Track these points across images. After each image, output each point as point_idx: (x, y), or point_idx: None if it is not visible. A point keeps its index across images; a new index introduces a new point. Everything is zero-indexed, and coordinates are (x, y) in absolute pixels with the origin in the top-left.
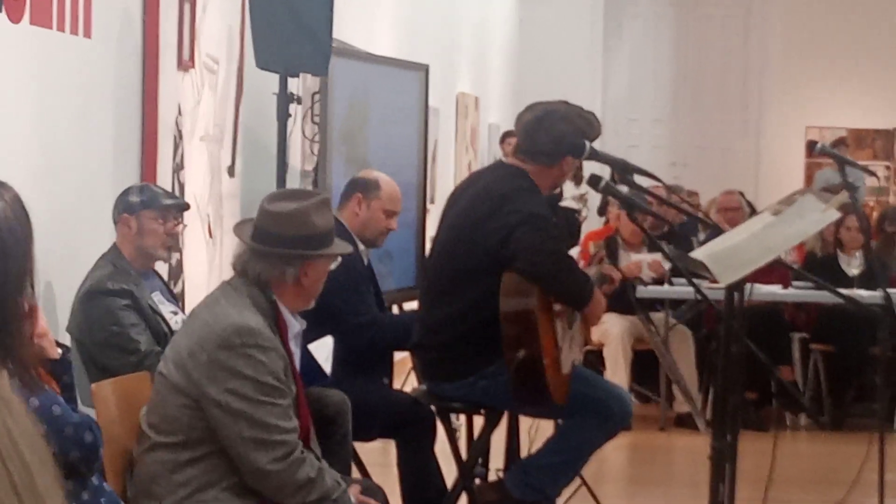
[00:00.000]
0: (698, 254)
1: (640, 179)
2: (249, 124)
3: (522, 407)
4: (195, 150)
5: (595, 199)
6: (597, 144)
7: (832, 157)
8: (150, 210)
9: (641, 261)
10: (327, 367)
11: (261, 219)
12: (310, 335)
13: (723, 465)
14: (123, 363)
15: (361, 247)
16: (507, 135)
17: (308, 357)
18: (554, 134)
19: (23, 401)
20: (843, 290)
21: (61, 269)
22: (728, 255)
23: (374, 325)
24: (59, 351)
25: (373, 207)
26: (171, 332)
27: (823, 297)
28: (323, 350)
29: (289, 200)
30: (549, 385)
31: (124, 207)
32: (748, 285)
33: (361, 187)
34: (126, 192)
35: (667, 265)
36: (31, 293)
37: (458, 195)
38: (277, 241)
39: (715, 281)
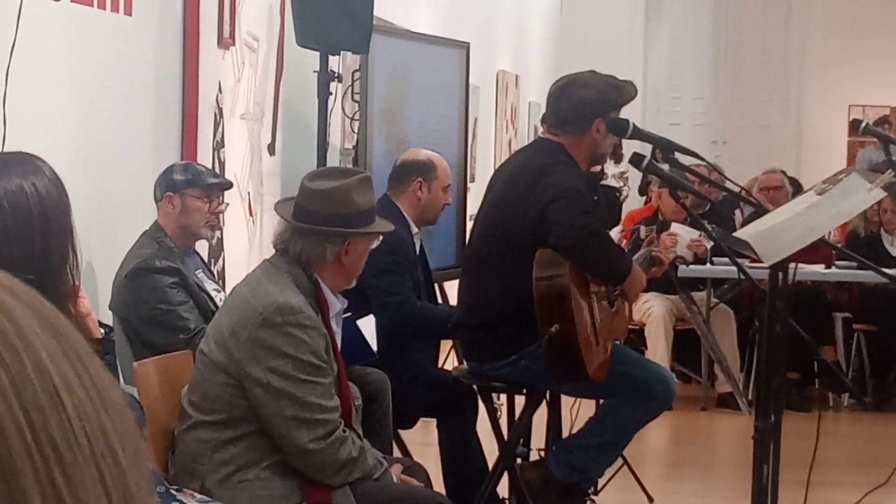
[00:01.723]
0: (742, 233)
1: (681, 158)
2: (290, 102)
3: (561, 383)
4: (235, 128)
5: (635, 178)
6: (637, 122)
7: (876, 135)
8: (194, 188)
9: (679, 233)
10: (374, 342)
11: (302, 197)
12: (355, 313)
13: (767, 446)
14: (173, 341)
15: (415, 230)
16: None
17: (355, 334)
18: (574, 100)
19: (121, 391)
20: (886, 270)
21: (101, 248)
22: (772, 235)
23: (405, 307)
24: (102, 331)
25: (433, 189)
26: (217, 309)
27: (867, 276)
28: (369, 326)
29: (330, 178)
30: (584, 360)
31: (168, 185)
32: (792, 265)
33: (420, 171)
34: (169, 170)
35: (709, 244)
36: (76, 271)
37: (500, 173)
38: (318, 219)
39: (757, 260)
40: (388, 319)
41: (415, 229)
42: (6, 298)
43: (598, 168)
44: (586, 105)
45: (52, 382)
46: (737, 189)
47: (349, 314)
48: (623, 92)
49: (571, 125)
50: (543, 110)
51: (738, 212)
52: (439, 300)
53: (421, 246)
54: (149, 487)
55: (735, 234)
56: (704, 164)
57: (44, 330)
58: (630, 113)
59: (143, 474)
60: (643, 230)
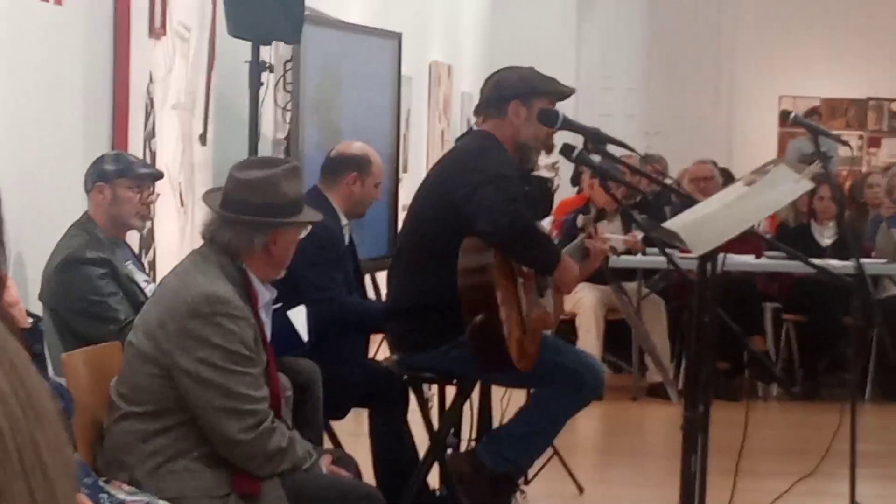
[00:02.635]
0: (672, 224)
1: (613, 149)
2: (221, 92)
3: (486, 373)
4: (167, 118)
5: (567, 168)
6: (569, 113)
7: (806, 126)
8: (125, 178)
9: (612, 238)
10: (304, 334)
11: (230, 187)
12: (286, 303)
13: (695, 436)
14: (103, 332)
15: (344, 222)
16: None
17: (285, 324)
18: (494, 80)
19: (55, 399)
20: (815, 261)
21: (31, 238)
22: (701, 226)
23: (336, 304)
24: (30, 320)
25: (367, 184)
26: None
27: (796, 267)
28: (299, 317)
29: (258, 168)
30: (509, 350)
31: (98, 176)
32: (721, 255)
33: (356, 165)
34: (100, 161)
35: (640, 235)
36: (4, 262)
37: (435, 165)
38: (246, 209)
39: (687, 251)
40: (319, 315)
41: (344, 221)
42: None
43: (530, 160)
44: (504, 86)
45: None
46: (667, 181)
47: (279, 305)
48: (550, 82)
49: (491, 107)
50: (476, 101)
51: (667, 208)
52: (370, 291)
53: (350, 237)
54: (74, 496)
55: (664, 224)
56: (634, 154)
57: None
58: (562, 104)
59: (70, 484)
60: (581, 219)
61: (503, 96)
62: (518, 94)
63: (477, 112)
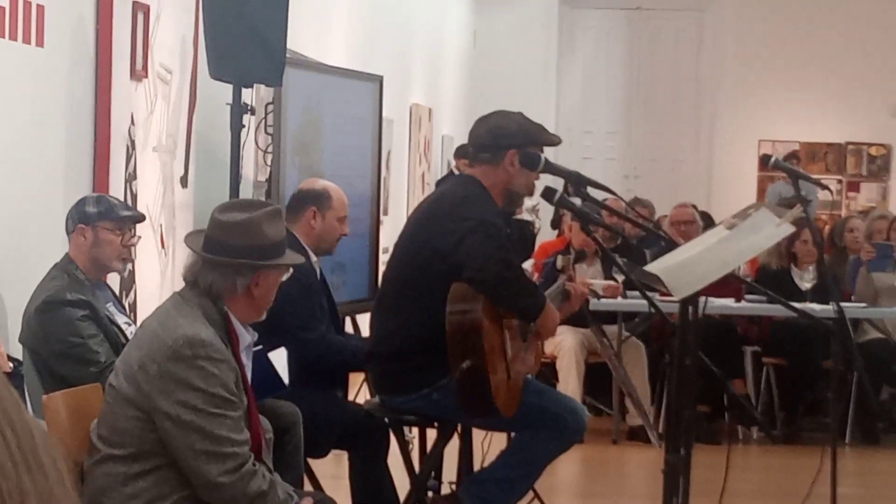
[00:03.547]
0: (652, 267)
1: (595, 193)
2: (203, 134)
3: (471, 419)
4: (148, 160)
5: (547, 211)
6: (550, 156)
7: (785, 170)
8: (106, 221)
9: (593, 283)
10: (285, 376)
11: (212, 229)
12: (266, 345)
13: (677, 479)
14: (83, 374)
15: (314, 258)
16: (458, 153)
17: (266, 367)
18: (491, 125)
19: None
20: (796, 304)
21: (11, 280)
22: (682, 269)
23: (323, 343)
24: (11, 365)
25: (328, 218)
26: (128, 342)
27: (776, 310)
28: (280, 360)
29: (240, 210)
30: (495, 397)
31: (80, 218)
32: (702, 299)
33: (314, 200)
34: (82, 203)
35: (620, 277)
36: None
37: (418, 206)
38: (228, 252)
39: (667, 294)
40: (304, 355)
41: (314, 257)
42: None
43: (514, 206)
44: (503, 133)
45: None
46: (646, 224)
47: (260, 347)
48: (544, 132)
49: (487, 152)
50: (457, 143)
51: (647, 252)
52: (349, 330)
53: (321, 274)
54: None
55: (646, 267)
56: (617, 198)
57: None
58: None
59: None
60: (560, 259)
61: (501, 145)
62: (517, 143)
63: (462, 155)
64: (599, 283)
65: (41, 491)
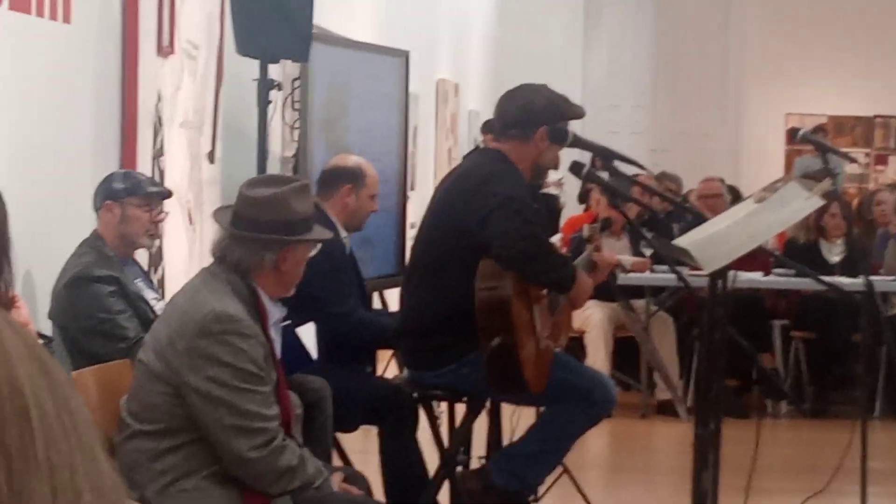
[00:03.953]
0: (681, 241)
1: (623, 167)
2: (229, 110)
3: (501, 394)
4: (175, 136)
5: (572, 185)
6: (576, 129)
7: (814, 144)
8: (134, 197)
9: (622, 258)
10: (314, 351)
11: (239, 204)
12: (294, 320)
13: (706, 453)
14: (112, 350)
15: (344, 234)
16: (485, 128)
17: (294, 342)
18: (522, 103)
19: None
20: (824, 277)
21: (40, 257)
22: (711, 243)
23: (353, 318)
24: (41, 342)
25: (362, 196)
26: (157, 318)
27: (805, 284)
28: (309, 334)
29: (267, 186)
30: (524, 373)
31: (108, 194)
32: (731, 272)
33: (349, 177)
34: (109, 179)
35: (648, 252)
36: (9, 279)
37: (444, 181)
38: (256, 227)
39: (696, 268)
40: (334, 330)
41: (343, 233)
42: (1, 327)
43: (542, 179)
44: (533, 109)
45: (24, 398)
46: (674, 198)
47: (288, 322)
48: (571, 106)
49: (516, 129)
50: (483, 119)
51: (675, 226)
52: (378, 307)
53: (350, 250)
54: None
55: (674, 241)
56: (646, 172)
57: (31, 361)
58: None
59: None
60: (587, 229)
61: (532, 121)
62: (545, 119)
63: (489, 130)
64: (628, 258)
65: (90, 475)
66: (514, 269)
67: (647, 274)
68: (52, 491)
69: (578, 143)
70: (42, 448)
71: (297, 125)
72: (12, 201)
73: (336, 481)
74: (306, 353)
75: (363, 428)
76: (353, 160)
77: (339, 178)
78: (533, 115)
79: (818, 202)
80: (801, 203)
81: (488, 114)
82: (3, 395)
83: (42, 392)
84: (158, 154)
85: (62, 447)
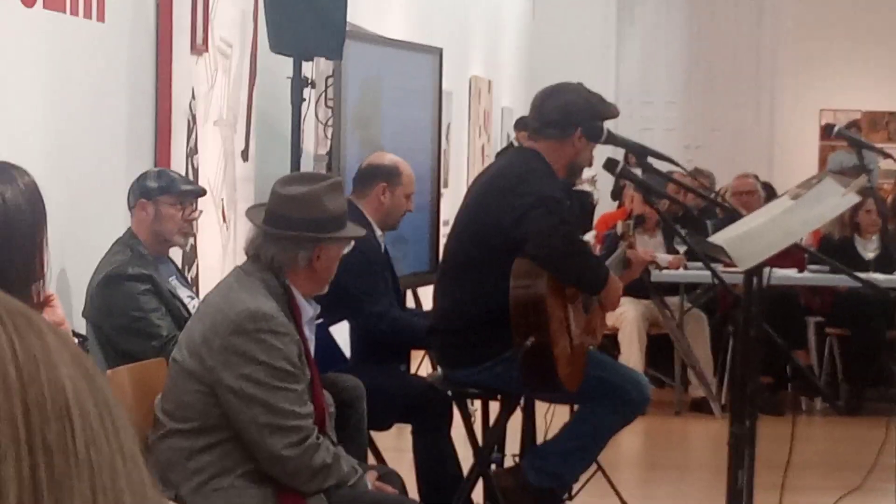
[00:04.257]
0: (717, 238)
1: (657, 163)
2: (263, 108)
3: (535, 393)
4: (209, 134)
5: (607, 182)
6: (610, 127)
7: (849, 140)
8: (167, 196)
9: (658, 257)
10: (347, 350)
11: (273, 202)
12: (328, 319)
13: (742, 451)
14: (145, 348)
15: (379, 233)
16: (519, 125)
17: (328, 341)
18: (561, 104)
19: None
20: (860, 274)
21: (75, 255)
22: (747, 240)
23: (387, 317)
24: (76, 341)
25: (397, 194)
26: (191, 316)
27: (840, 280)
28: (342, 333)
29: (301, 183)
30: (559, 372)
31: (141, 192)
32: (766, 269)
33: (384, 175)
34: (143, 177)
35: (682, 249)
36: (42, 286)
37: (478, 179)
38: (289, 225)
39: (730, 264)
40: (368, 328)
41: (378, 231)
42: (44, 328)
43: (576, 178)
44: (572, 110)
45: (66, 399)
46: (709, 195)
47: (320, 320)
48: (608, 107)
49: (555, 129)
50: (516, 116)
51: (708, 223)
52: (412, 305)
53: (385, 249)
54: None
55: (709, 238)
56: (681, 169)
57: (75, 366)
58: None
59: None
60: (620, 225)
61: (571, 122)
62: (583, 120)
63: (522, 127)
64: (665, 257)
65: (131, 478)
66: (549, 269)
67: (681, 271)
68: (92, 490)
69: (613, 140)
70: (83, 447)
71: (330, 123)
72: (48, 199)
73: (370, 480)
74: (340, 352)
75: (397, 426)
76: (389, 158)
77: (375, 177)
78: (571, 116)
79: (854, 198)
80: (837, 199)
81: (521, 111)
82: (45, 394)
83: (83, 395)
84: (192, 152)
85: (103, 449)
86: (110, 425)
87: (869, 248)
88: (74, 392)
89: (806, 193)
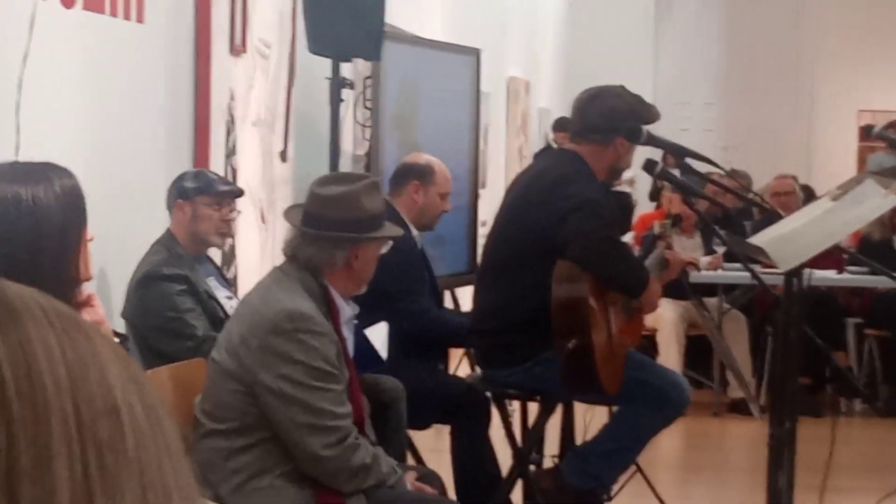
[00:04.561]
0: (757, 239)
1: (696, 164)
2: (301, 109)
3: (575, 394)
4: (247, 135)
5: (645, 183)
6: (648, 128)
7: (888, 140)
8: (205, 196)
9: (699, 260)
10: (383, 352)
11: (310, 203)
12: (364, 320)
13: (782, 452)
14: (180, 348)
15: (415, 232)
16: (558, 126)
17: (364, 342)
18: (605, 109)
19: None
20: None
21: (115, 255)
22: (787, 241)
23: (425, 316)
24: (116, 340)
25: (430, 193)
26: (227, 316)
27: (880, 281)
28: (378, 335)
29: (338, 184)
30: (599, 375)
31: (179, 193)
32: (806, 271)
33: (417, 174)
34: (181, 178)
35: (720, 249)
36: (74, 289)
37: (519, 180)
38: (327, 225)
39: (769, 265)
40: (407, 326)
41: (415, 231)
42: (91, 331)
43: (616, 179)
44: (616, 115)
45: (114, 398)
46: (749, 195)
47: (356, 322)
48: (651, 111)
49: (598, 134)
50: (554, 116)
51: (747, 224)
52: (450, 305)
53: (422, 248)
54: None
55: (749, 239)
56: (719, 169)
57: (121, 367)
58: None
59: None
60: (657, 226)
61: (614, 128)
62: (626, 130)
63: (561, 128)
64: (705, 259)
65: (179, 478)
66: (590, 271)
67: (720, 272)
68: (142, 488)
69: (653, 141)
70: (132, 446)
71: (368, 124)
72: (87, 199)
73: (410, 480)
74: (375, 353)
75: (436, 427)
76: (424, 158)
77: (408, 175)
78: (614, 122)
79: None
80: (878, 200)
81: (559, 111)
82: (95, 392)
83: (131, 395)
84: (231, 153)
85: (150, 448)
86: (157, 425)
87: None
88: (123, 392)
89: (847, 194)
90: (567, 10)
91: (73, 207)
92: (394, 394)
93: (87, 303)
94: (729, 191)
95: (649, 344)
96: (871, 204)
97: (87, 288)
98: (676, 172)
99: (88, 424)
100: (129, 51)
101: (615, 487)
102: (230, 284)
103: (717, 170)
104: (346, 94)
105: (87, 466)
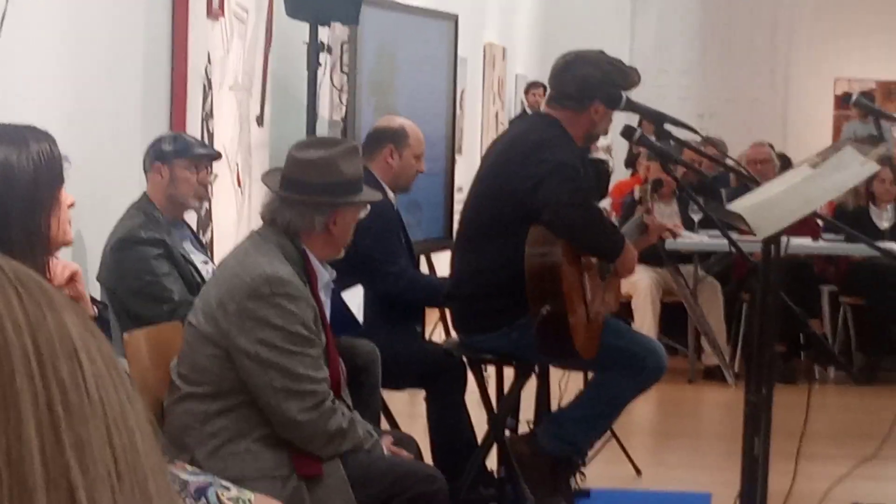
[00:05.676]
0: (735, 206)
1: (673, 131)
2: (278, 73)
3: (550, 359)
4: (224, 99)
5: (619, 151)
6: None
7: (867, 108)
8: (182, 159)
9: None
10: (360, 315)
11: (289, 167)
12: (342, 284)
13: (758, 418)
14: (157, 312)
15: (391, 195)
16: (531, 86)
17: (341, 306)
18: (580, 76)
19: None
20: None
21: (91, 219)
22: (766, 208)
23: (404, 277)
24: (95, 309)
25: (405, 156)
26: (203, 281)
27: (856, 249)
28: (355, 299)
29: (317, 148)
30: (574, 340)
31: (156, 156)
32: (784, 238)
33: (391, 138)
34: (158, 141)
35: (697, 216)
36: (46, 253)
37: (495, 145)
38: (306, 189)
39: (746, 233)
40: (385, 288)
41: (391, 194)
42: (45, 284)
43: (592, 143)
44: (589, 83)
45: (73, 342)
46: (728, 163)
47: (333, 286)
48: (627, 77)
49: (572, 101)
50: (529, 81)
51: (723, 191)
52: (425, 271)
53: (397, 211)
54: (169, 491)
55: (728, 206)
56: (698, 135)
57: (79, 321)
58: None
59: (163, 479)
60: (638, 190)
61: (588, 95)
62: (600, 93)
63: (548, 97)
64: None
65: (140, 420)
66: (565, 237)
67: (696, 239)
68: (106, 427)
69: (631, 106)
70: (94, 388)
71: (345, 88)
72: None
73: (386, 444)
74: (353, 318)
75: (410, 391)
76: (397, 121)
77: (382, 139)
78: (588, 90)
79: (874, 167)
80: (856, 168)
81: (535, 78)
82: (53, 335)
83: (90, 344)
84: (208, 116)
85: (111, 391)
86: (115, 370)
87: (884, 218)
88: (81, 339)
89: (825, 162)
90: None
91: (47, 168)
92: (369, 357)
93: (71, 279)
94: (708, 157)
95: (624, 310)
96: (850, 172)
97: (65, 257)
98: (653, 139)
99: (50, 363)
100: (106, 13)
101: (590, 453)
102: (206, 248)
103: (694, 136)
104: (324, 58)
105: (51, 402)
